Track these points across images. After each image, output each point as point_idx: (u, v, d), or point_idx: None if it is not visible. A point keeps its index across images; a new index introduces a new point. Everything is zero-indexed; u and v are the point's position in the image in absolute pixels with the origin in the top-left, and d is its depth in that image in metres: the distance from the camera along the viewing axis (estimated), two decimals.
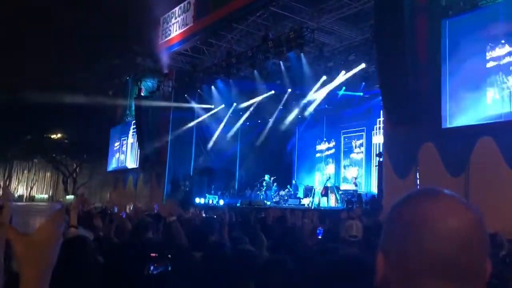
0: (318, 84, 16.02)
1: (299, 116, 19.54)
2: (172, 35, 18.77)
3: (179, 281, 1.93)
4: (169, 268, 2.10)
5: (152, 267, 2.09)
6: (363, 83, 15.47)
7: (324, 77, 15.79)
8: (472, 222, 0.81)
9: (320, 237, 5.07)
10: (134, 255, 2.35)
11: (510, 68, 9.21)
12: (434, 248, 0.78)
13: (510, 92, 9.13)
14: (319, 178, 19.20)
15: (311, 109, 17.73)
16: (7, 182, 36.34)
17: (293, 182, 19.10)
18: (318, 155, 19.93)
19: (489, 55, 9.54)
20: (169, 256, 2.24)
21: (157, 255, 2.23)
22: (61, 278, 2.38)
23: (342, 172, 18.31)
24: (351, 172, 17.68)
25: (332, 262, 1.66)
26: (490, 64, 9.52)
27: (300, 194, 17.89)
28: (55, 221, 0.86)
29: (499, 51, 9.38)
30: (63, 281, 2.37)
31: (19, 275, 0.82)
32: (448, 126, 10.07)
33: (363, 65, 14.50)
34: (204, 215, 8.87)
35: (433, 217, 0.80)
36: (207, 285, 2.27)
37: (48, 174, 37.37)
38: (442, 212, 0.81)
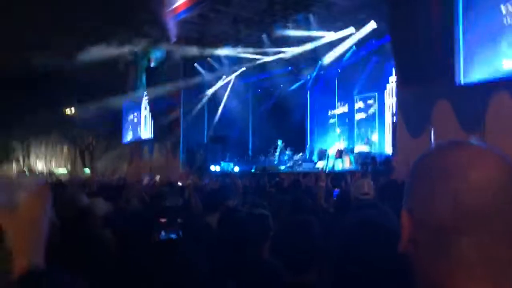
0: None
1: (311, 80, 19.37)
2: (179, 2, 18.48)
3: (191, 246, 1.98)
4: (180, 234, 2.13)
5: (162, 233, 2.12)
6: (374, 41, 15.10)
7: (333, 33, 15.44)
8: (507, 169, 0.72)
9: (335, 198, 5.12)
10: (147, 222, 2.40)
11: None
12: (468, 198, 0.70)
13: None
14: (333, 141, 19.15)
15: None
16: (26, 159, 37.07)
17: (307, 146, 19.10)
18: (331, 119, 19.80)
19: (504, 8, 9.24)
20: (179, 221, 2.28)
21: (166, 220, 2.27)
22: (70, 249, 2.46)
23: (356, 133, 18.22)
24: (364, 132, 17.58)
25: (349, 226, 1.67)
26: (506, 17, 9.24)
27: (315, 157, 17.92)
28: (39, 196, 0.88)
29: None
30: (72, 251, 2.45)
31: (12, 250, 0.85)
32: (463, 82, 9.91)
33: (373, 25, 14.17)
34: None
35: (465, 166, 0.72)
36: (221, 249, 2.33)
37: (65, 148, 37.89)
38: (475, 160, 0.73)
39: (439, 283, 0.72)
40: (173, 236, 2.14)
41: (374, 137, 17.02)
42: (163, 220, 2.31)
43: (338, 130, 18.84)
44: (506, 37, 9.22)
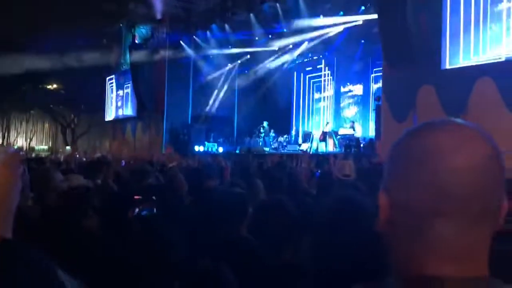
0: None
1: (297, 61, 19.29)
2: None
3: (165, 222, 1.95)
4: (154, 211, 2.10)
5: (136, 210, 2.09)
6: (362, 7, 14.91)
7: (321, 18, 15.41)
8: (489, 152, 0.71)
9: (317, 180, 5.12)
10: (124, 200, 2.36)
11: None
12: (447, 180, 0.68)
13: (510, 29, 8.93)
14: (317, 123, 19.20)
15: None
16: (5, 134, 36.42)
17: (293, 128, 19.12)
18: (317, 102, 19.81)
19: None
20: (154, 198, 2.25)
21: (140, 197, 2.24)
22: (60, 225, 2.41)
23: (340, 116, 18.27)
24: (348, 113, 17.65)
25: (328, 205, 1.65)
26: (492, 3, 9.25)
27: (299, 139, 17.96)
28: (10, 165, 0.83)
29: None
30: (62, 228, 2.40)
31: None
32: (448, 67, 9.94)
33: (360, 22, 14.23)
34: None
35: (445, 147, 0.70)
36: (197, 226, 2.29)
37: (47, 125, 37.35)
38: (456, 141, 0.71)
39: (412, 262, 0.72)
40: (146, 212, 2.10)
41: (358, 120, 17.09)
42: (137, 197, 2.27)
43: (322, 112, 18.87)
44: (491, 23, 9.24)
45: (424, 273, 0.71)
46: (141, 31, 20.72)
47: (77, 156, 10.38)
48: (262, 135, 18.02)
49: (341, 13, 14.89)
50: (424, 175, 0.70)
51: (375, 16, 12.48)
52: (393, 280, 0.75)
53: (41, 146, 36.49)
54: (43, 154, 23.38)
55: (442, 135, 0.72)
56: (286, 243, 1.85)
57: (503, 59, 9.07)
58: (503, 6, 9.11)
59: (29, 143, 36.87)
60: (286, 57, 18.89)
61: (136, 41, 20.41)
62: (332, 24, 15.56)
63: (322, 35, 16.34)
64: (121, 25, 22.60)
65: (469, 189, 0.69)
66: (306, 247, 1.67)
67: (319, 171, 6.06)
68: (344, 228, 1.39)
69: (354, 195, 1.74)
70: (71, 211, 2.61)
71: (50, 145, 36.66)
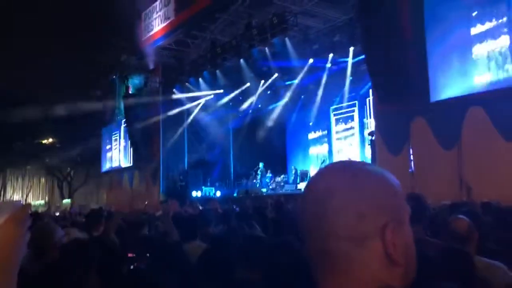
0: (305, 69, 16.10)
1: (289, 102, 19.53)
2: (155, 30, 18.60)
3: (161, 275, 1.90)
4: (148, 267, 2.06)
5: (131, 267, 2.05)
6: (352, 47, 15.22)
7: (311, 60, 15.80)
8: (331, 187, 0.81)
9: None
10: (119, 254, 2.31)
11: (496, 34, 9.18)
12: (302, 211, 0.83)
13: (496, 59, 9.12)
14: (314, 162, 19.21)
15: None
16: (2, 191, 36.14)
17: (292, 167, 19.11)
18: (311, 138, 19.90)
19: (473, 22, 9.49)
20: (148, 255, 2.21)
21: (134, 255, 2.20)
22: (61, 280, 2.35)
23: (336, 154, 18.31)
24: (344, 153, 17.68)
25: None
26: (475, 31, 9.48)
27: (297, 179, 17.89)
28: (17, 219, 0.83)
29: (483, 17, 9.34)
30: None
31: None
32: (437, 99, 10.08)
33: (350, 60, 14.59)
34: (200, 207, 8.85)
35: (308, 184, 0.86)
36: (201, 279, 2.24)
37: (43, 179, 37.17)
38: (314, 179, 0.86)
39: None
40: (142, 268, 2.06)
41: (355, 156, 17.11)
42: (130, 255, 2.23)
43: (318, 151, 18.92)
44: (476, 50, 9.45)
45: None
46: (134, 81, 21.02)
47: (75, 209, 10.30)
48: (259, 176, 17.98)
49: (330, 54, 15.23)
50: (299, 206, 0.87)
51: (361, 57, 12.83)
52: None
53: (38, 201, 36.17)
54: (40, 210, 23.12)
55: (315, 174, 0.89)
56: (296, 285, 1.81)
57: (491, 88, 9.21)
58: (486, 31, 9.34)
59: (26, 199, 36.55)
60: (277, 97, 19.14)
61: (130, 92, 20.66)
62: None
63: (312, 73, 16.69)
64: (114, 76, 22.97)
65: (313, 218, 0.81)
66: None
67: None
68: None
69: None
70: (72, 267, 2.55)
71: (46, 199, 36.35)
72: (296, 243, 2.25)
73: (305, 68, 16.23)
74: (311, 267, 0.82)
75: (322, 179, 0.84)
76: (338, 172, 0.84)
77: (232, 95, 19.15)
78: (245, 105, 20.03)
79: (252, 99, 19.30)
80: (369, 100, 15.90)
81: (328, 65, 15.90)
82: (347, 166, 0.85)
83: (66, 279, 2.34)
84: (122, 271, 2.02)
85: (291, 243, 2.26)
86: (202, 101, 19.66)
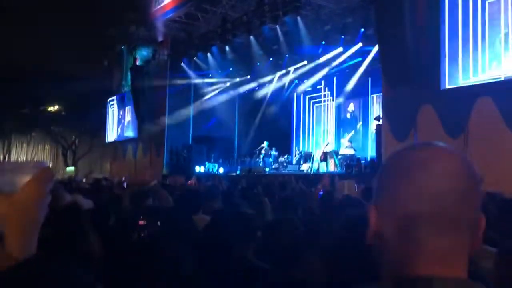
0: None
1: (297, 82, 19.43)
2: (166, 1, 18.37)
3: (173, 244, 1.93)
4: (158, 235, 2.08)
5: (142, 235, 2.08)
6: (360, 44, 15.26)
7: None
8: (465, 165, 0.82)
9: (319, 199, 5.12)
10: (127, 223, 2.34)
11: (510, 24, 9.06)
12: (429, 188, 0.79)
13: (508, 49, 9.02)
14: (318, 143, 19.22)
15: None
16: (7, 156, 36.42)
17: (295, 148, 19.11)
18: (317, 121, 19.89)
19: (489, 13, 9.36)
20: (158, 223, 2.23)
21: (145, 223, 2.22)
22: (54, 244, 2.39)
23: (341, 137, 18.31)
24: (347, 136, 17.69)
25: (339, 224, 1.65)
26: (489, 23, 9.36)
27: (301, 160, 17.94)
28: (41, 179, 0.84)
29: (499, 7, 9.21)
30: (55, 247, 2.38)
31: (4, 235, 0.81)
32: (447, 87, 10.00)
33: (360, 44, 14.45)
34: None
35: (425, 160, 0.81)
36: (206, 249, 2.27)
37: (47, 146, 37.37)
38: (434, 155, 0.82)
39: (401, 266, 0.79)
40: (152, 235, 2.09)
41: (356, 140, 17.10)
42: (141, 222, 2.25)
43: (323, 132, 18.92)
44: (489, 44, 9.35)
45: (411, 273, 0.78)
46: (142, 53, 20.90)
47: (79, 178, 10.40)
48: (262, 155, 18.01)
49: (342, 36, 15.05)
50: (406, 184, 0.80)
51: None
52: (383, 282, 0.82)
53: None
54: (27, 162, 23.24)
55: (422, 152, 0.83)
56: (296, 260, 1.84)
57: (502, 79, 9.13)
58: (501, 29, 9.23)
59: None
60: (286, 78, 19.05)
61: (137, 63, 20.57)
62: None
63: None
64: (122, 47, 22.84)
65: (444, 193, 0.78)
66: (316, 264, 1.67)
67: (322, 191, 6.05)
68: (354, 245, 1.39)
69: (358, 214, 1.74)
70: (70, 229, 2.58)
71: (50, 166, 36.59)
72: (297, 221, 2.27)
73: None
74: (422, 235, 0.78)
75: (446, 157, 0.82)
76: (455, 151, 0.84)
77: (237, 80, 19.04)
78: (253, 84, 19.97)
79: (261, 78, 19.22)
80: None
81: (340, 49, 15.77)
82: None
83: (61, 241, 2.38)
84: (132, 237, 2.05)
85: (293, 220, 2.28)
86: (209, 76, 19.56)
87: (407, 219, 0.79)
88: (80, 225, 2.58)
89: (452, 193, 0.78)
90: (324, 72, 17.68)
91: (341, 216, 1.67)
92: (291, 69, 18.24)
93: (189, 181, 9.72)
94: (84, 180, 9.77)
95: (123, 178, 13.00)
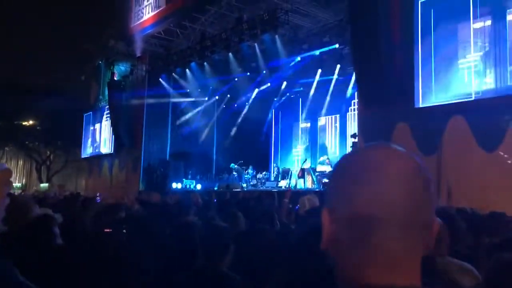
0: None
1: (275, 99, 19.59)
2: (145, 17, 18.41)
3: (137, 245, 1.90)
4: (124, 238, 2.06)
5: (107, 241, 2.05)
6: (339, 65, 15.56)
7: (298, 58, 15.90)
8: (418, 166, 0.80)
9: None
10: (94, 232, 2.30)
11: (480, 47, 9.37)
12: (382, 191, 0.76)
13: (479, 70, 9.31)
14: (296, 160, 19.31)
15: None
16: None
17: (273, 165, 19.14)
18: (294, 139, 20.01)
19: (460, 35, 9.67)
20: (124, 231, 2.21)
21: (110, 230, 2.20)
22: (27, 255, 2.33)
23: (318, 154, 18.43)
24: (325, 153, 17.83)
25: (302, 231, 1.65)
26: (461, 44, 9.66)
27: (278, 177, 17.97)
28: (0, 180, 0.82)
29: (469, 31, 9.52)
30: (27, 257, 2.31)
31: None
32: (421, 105, 10.22)
33: (336, 45, 14.63)
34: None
35: (377, 161, 0.79)
36: (174, 261, 2.24)
37: (21, 162, 36.52)
38: (387, 157, 0.80)
39: (355, 274, 0.77)
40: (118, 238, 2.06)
41: (334, 158, 17.24)
42: (107, 230, 2.22)
43: (300, 150, 19.04)
44: (461, 62, 9.63)
45: (364, 282, 0.75)
46: (120, 68, 20.76)
47: (52, 193, 10.17)
48: (235, 175, 17.95)
49: (317, 52, 15.32)
50: (360, 186, 0.77)
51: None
52: None
53: (15, 183, 35.53)
54: (16, 192, 22.72)
55: (374, 153, 0.81)
56: (267, 272, 1.83)
57: (473, 98, 9.39)
58: (471, 51, 9.53)
59: None
60: (264, 94, 19.19)
61: (115, 78, 20.41)
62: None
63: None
64: (100, 61, 22.66)
65: (398, 195, 0.76)
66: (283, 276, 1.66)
67: (297, 206, 6.07)
68: (312, 256, 1.39)
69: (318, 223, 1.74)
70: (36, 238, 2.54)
71: (24, 182, 35.75)
72: (269, 232, 2.27)
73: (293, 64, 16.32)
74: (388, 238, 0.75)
75: (398, 159, 0.80)
76: (406, 152, 0.82)
77: (218, 87, 19.09)
78: (231, 100, 20.04)
79: (239, 94, 19.32)
80: (353, 103, 16.05)
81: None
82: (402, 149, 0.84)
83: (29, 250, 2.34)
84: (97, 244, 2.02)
85: (265, 230, 2.28)
86: (187, 92, 19.55)
87: (360, 222, 0.76)
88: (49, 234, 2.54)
89: (406, 195, 0.76)
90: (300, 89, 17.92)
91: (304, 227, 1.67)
92: (268, 85, 18.37)
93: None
94: (56, 194, 9.56)
95: (98, 194, 12.79)
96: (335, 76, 16.18)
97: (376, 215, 0.76)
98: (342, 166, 0.84)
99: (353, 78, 14.36)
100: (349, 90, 16.33)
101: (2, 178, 0.83)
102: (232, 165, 18.04)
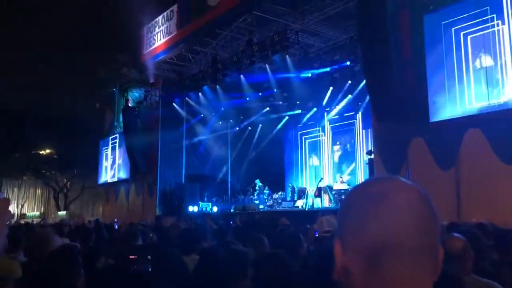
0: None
1: (288, 118, 19.62)
2: (157, 44, 18.72)
3: (163, 280, 1.88)
4: (149, 269, 2.05)
5: (134, 268, 2.04)
6: (349, 82, 15.57)
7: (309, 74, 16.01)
8: (423, 197, 0.84)
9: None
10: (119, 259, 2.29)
11: (491, 60, 9.27)
12: (389, 217, 0.80)
13: (492, 82, 9.19)
14: (312, 180, 19.17)
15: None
16: None
17: (289, 185, 19.07)
18: (310, 158, 19.91)
19: (470, 47, 9.59)
20: (149, 257, 2.19)
21: (136, 257, 2.19)
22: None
23: (334, 172, 18.29)
24: (340, 171, 17.69)
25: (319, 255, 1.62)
26: (472, 56, 9.58)
27: (294, 196, 17.83)
28: None
29: (479, 41, 9.44)
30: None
31: None
32: (436, 120, 10.11)
33: (347, 62, 14.69)
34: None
35: (386, 192, 0.83)
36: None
37: (39, 190, 36.97)
38: (395, 189, 0.84)
39: None
40: (143, 270, 2.05)
41: (352, 174, 17.09)
42: (132, 257, 2.22)
43: (316, 169, 18.92)
44: (473, 74, 9.53)
45: None
46: (134, 95, 21.08)
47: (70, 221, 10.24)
48: (256, 192, 17.92)
49: (328, 69, 15.38)
50: (370, 216, 0.81)
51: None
52: None
53: (33, 212, 35.90)
54: (34, 221, 22.92)
55: (383, 185, 0.85)
56: None
57: (488, 110, 9.26)
58: (483, 61, 9.44)
59: (21, 210, 36.31)
60: (277, 114, 19.24)
61: (129, 104, 20.69)
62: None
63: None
64: (114, 89, 23.03)
65: (408, 225, 0.80)
66: None
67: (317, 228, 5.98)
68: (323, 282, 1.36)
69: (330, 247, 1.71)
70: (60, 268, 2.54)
71: (42, 211, 36.11)
72: (286, 256, 2.24)
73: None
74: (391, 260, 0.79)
75: (405, 191, 0.84)
76: (412, 184, 0.87)
77: (231, 110, 19.20)
78: (244, 121, 20.13)
79: (252, 116, 19.40)
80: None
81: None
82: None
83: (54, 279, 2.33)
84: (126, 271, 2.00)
85: (282, 255, 2.25)
86: (201, 116, 19.70)
87: (372, 251, 0.80)
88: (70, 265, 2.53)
89: (415, 225, 0.80)
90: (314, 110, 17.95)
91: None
92: (280, 103, 18.44)
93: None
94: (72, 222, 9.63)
95: (115, 220, 12.83)
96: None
97: (386, 245, 0.79)
98: (352, 198, 0.88)
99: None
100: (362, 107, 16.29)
101: (0, 207, 0.83)
102: (257, 180, 17.96)
